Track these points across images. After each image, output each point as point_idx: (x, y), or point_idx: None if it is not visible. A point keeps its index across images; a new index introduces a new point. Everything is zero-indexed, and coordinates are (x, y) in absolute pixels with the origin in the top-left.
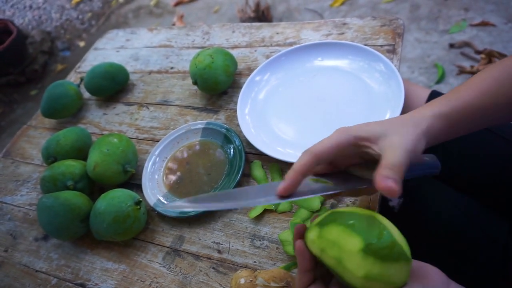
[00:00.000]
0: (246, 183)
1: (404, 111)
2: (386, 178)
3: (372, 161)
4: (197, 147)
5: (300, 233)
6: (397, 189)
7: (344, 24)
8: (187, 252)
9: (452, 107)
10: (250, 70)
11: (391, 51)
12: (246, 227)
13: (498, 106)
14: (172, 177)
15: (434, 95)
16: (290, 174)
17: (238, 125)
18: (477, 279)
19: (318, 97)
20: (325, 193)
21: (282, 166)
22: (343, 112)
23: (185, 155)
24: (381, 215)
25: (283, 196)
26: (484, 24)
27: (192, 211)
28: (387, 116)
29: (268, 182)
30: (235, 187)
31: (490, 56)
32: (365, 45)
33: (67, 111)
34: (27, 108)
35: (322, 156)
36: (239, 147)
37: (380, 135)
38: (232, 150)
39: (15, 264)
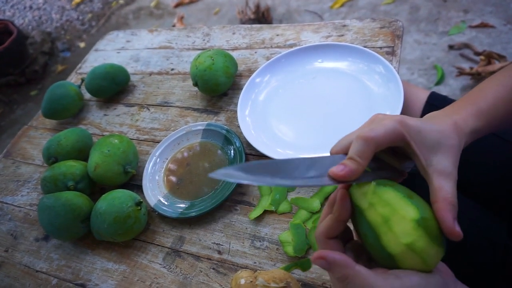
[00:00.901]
0: (246, 185)
1: (403, 112)
2: (455, 219)
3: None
4: (198, 148)
5: (346, 185)
6: (461, 235)
7: (344, 26)
8: (187, 253)
9: (488, 126)
10: (250, 71)
11: (391, 53)
12: (246, 228)
13: None
14: (173, 178)
15: (433, 96)
16: (350, 163)
17: (239, 127)
18: (477, 280)
19: (318, 99)
20: (365, 180)
21: None
22: (342, 113)
23: (186, 156)
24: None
25: (338, 181)
26: (483, 25)
27: (246, 182)
28: None
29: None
30: (235, 188)
31: (489, 58)
32: (365, 47)
33: (68, 112)
34: (27, 108)
35: (378, 145)
36: (239, 149)
37: (433, 146)
38: (232, 151)
39: (15, 264)
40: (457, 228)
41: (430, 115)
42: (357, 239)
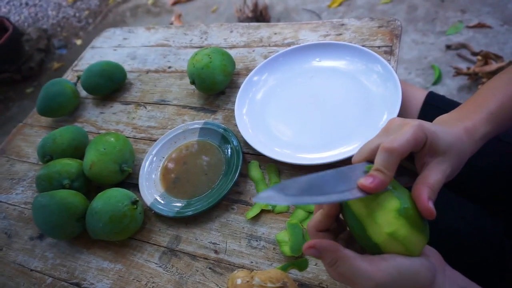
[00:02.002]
0: (244, 184)
1: (400, 111)
2: (430, 199)
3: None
4: (195, 147)
5: None
6: (434, 211)
7: (342, 25)
8: (183, 252)
9: (497, 128)
10: (248, 70)
11: (389, 52)
12: (243, 228)
13: None
14: (169, 177)
15: (431, 96)
16: (379, 175)
17: (236, 125)
18: (473, 279)
19: (315, 98)
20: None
21: (280, 167)
22: (340, 112)
23: (182, 155)
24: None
25: (368, 193)
26: (480, 26)
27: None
28: (384, 118)
29: (345, 167)
30: (232, 187)
31: (486, 58)
32: (363, 46)
33: (63, 110)
34: (22, 106)
35: (404, 153)
36: (237, 147)
37: (444, 151)
38: (229, 150)
39: (9, 263)
40: (430, 205)
41: (442, 119)
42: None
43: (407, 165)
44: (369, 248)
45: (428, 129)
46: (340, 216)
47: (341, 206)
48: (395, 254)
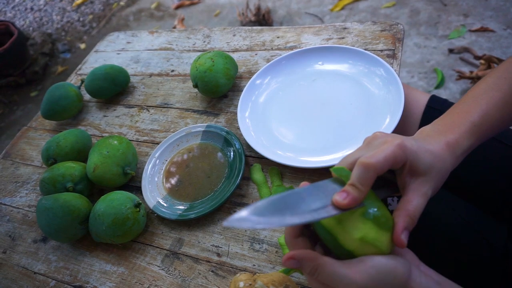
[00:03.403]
0: (246, 186)
1: (404, 116)
2: (405, 230)
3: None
4: (197, 150)
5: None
6: (406, 243)
7: (345, 28)
8: (186, 255)
9: (480, 139)
10: (250, 73)
11: (391, 56)
12: (245, 231)
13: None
14: (172, 180)
15: (433, 100)
16: (353, 190)
17: (238, 128)
18: (476, 283)
19: (318, 101)
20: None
21: (282, 170)
22: (342, 116)
23: (185, 157)
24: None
25: (343, 209)
26: (483, 30)
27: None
28: (387, 121)
29: (317, 183)
30: (234, 190)
31: (489, 62)
32: (365, 49)
33: (67, 113)
34: (27, 109)
35: (380, 170)
36: (239, 150)
37: (425, 171)
38: (232, 153)
39: (13, 266)
40: (402, 238)
41: (424, 132)
42: None
43: (387, 176)
44: (344, 256)
45: (409, 149)
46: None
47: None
48: (371, 255)
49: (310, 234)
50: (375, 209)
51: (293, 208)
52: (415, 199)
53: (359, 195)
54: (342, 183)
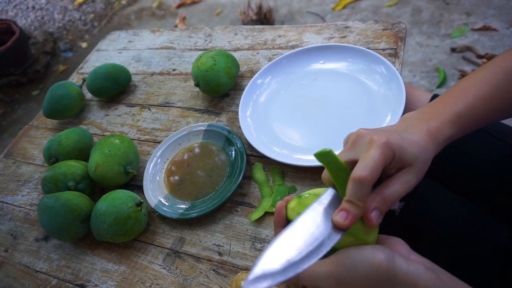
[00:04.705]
0: (248, 186)
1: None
2: (375, 209)
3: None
4: (199, 149)
5: (286, 200)
6: (376, 223)
7: (346, 27)
8: (187, 254)
9: (463, 131)
10: (252, 72)
11: (393, 54)
12: (247, 230)
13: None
14: (173, 179)
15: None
16: (352, 208)
17: (240, 127)
18: (477, 282)
19: (319, 100)
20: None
21: (284, 169)
22: (343, 114)
23: (187, 157)
24: None
25: (345, 230)
26: (485, 28)
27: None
28: (388, 119)
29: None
30: (236, 189)
31: None
32: (367, 48)
33: (69, 112)
34: (28, 108)
35: (374, 178)
36: (241, 149)
37: (410, 162)
38: (233, 152)
39: (15, 264)
40: (371, 216)
41: (407, 120)
42: None
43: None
44: (329, 252)
45: (395, 145)
46: None
47: (288, 221)
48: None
49: None
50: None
51: (299, 248)
52: (394, 185)
53: (358, 211)
54: (337, 195)
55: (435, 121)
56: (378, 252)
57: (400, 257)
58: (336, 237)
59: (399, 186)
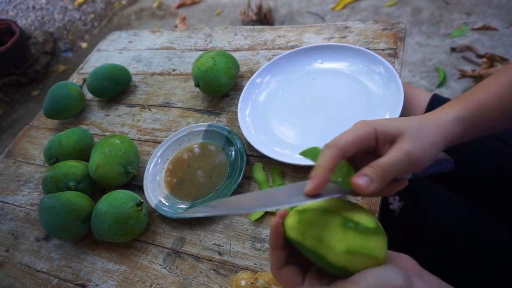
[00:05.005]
0: (248, 186)
1: (404, 114)
2: (363, 175)
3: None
4: (199, 149)
5: (282, 214)
6: (365, 187)
7: (346, 27)
8: (187, 254)
9: (472, 111)
10: (252, 72)
11: (393, 55)
12: (247, 229)
13: None
14: (174, 179)
15: (435, 98)
16: (317, 172)
17: (240, 128)
18: (477, 282)
19: (318, 99)
20: (344, 194)
21: (283, 168)
22: (342, 114)
23: (187, 157)
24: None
25: (312, 196)
26: (485, 28)
27: (213, 215)
28: (387, 118)
29: (285, 185)
30: (236, 189)
31: (492, 60)
32: (367, 48)
33: (69, 112)
34: (28, 108)
35: (347, 150)
36: (241, 149)
37: (398, 132)
38: (233, 152)
39: (16, 264)
40: (358, 180)
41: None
42: None
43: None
44: (338, 272)
45: (374, 122)
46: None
47: (295, 245)
48: (364, 268)
49: (299, 261)
50: (354, 215)
51: (261, 202)
52: (389, 154)
53: (323, 172)
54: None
55: (440, 108)
56: (398, 278)
57: (417, 278)
58: (301, 201)
59: (392, 154)
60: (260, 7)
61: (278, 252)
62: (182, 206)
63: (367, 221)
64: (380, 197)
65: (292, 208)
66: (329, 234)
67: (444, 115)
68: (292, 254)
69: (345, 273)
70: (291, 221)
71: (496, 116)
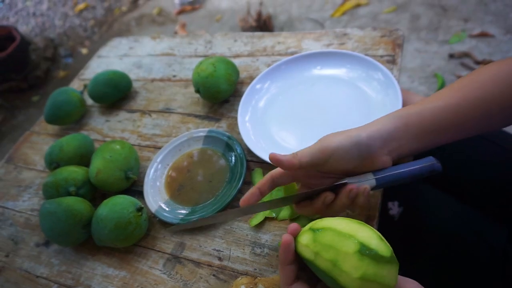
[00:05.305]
0: (247, 191)
1: None
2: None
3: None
4: (199, 154)
5: (293, 231)
6: (278, 157)
7: (345, 34)
8: (187, 259)
9: (412, 109)
10: (252, 79)
11: (391, 61)
12: (246, 235)
13: (488, 111)
14: (174, 184)
15: None
16: (250, 190)
17: (240, 133)
18: (476, 285)
19: (317, 105)
20: (261, 209)
21: None
22: (341, 119)
23: (187, 162)
24: (366, 223)
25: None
26: (483, 34)
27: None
28: None
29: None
30: (236, 194)
31: None
32: (366, 55)
33: (70, 118)
34: (28, 114)
35: (277, 178)
36: (241, 155)
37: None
38: (233, 157)
39: (16, 269)
40: (276, 155)
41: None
42: None
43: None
44: None
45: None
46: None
47: (306, 262)
48: None
49: (309, 276)
50: (370, 243)
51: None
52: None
53: (254, 190)
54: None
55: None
56: None
57: None
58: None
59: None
60: (259, 14)
61: (288, 269)
62: (182, 211)
63: (383, 249)
64: (379, 203)
65: (305, 224)
66: (344, 259)
67: (384, 118)
68: (301, 267)
69: None
70: (305, 239)
71: (457, 117)
